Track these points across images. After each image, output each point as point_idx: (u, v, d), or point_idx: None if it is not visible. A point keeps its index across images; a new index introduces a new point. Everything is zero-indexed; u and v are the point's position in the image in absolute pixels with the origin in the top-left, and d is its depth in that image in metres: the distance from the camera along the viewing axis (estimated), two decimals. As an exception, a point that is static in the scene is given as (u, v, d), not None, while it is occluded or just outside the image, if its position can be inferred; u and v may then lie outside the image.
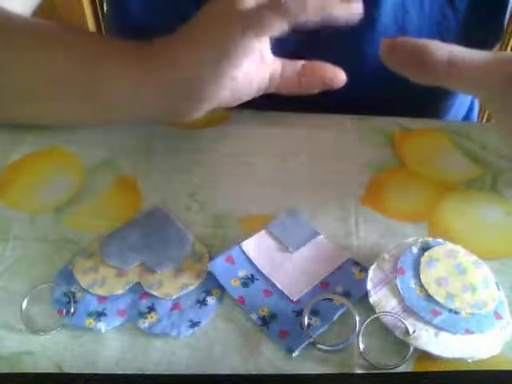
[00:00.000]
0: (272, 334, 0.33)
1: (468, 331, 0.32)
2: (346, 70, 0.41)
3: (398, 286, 0.33)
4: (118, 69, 0.40)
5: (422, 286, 0.33)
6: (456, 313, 0.32)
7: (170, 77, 0.38)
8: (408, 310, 0.33)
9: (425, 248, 0.35)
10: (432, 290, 0.33)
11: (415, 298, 0.33)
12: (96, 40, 0.43)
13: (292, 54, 0.43)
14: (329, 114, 0.49)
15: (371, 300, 0.33)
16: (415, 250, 0.35)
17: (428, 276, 0.34)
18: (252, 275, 0.36)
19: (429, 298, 0.33)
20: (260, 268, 0.36)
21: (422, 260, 0.35)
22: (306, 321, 0.32)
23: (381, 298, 0.33)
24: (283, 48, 0.42)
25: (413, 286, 0.34)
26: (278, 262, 0.36)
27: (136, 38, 0.41)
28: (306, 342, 0.32)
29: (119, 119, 0.44)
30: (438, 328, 0.32)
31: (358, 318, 0.32)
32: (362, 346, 0.32)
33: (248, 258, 0.36)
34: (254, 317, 0.33)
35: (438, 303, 0.33)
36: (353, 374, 0.31)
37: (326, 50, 0.44)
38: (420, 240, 0.36)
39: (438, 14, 0.49)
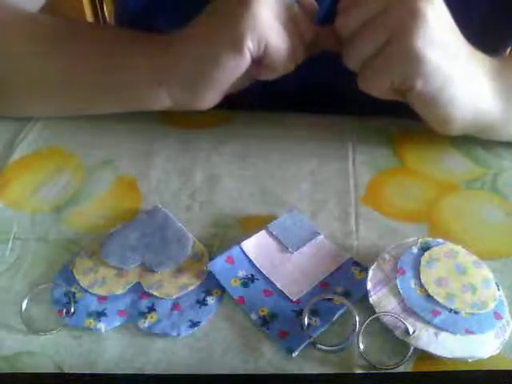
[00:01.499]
0: (272, 334, 0.33)
1: (468, 331, 0.32)
2: (347, 68, 0.41)
3: (398, 286, 0.33)
4: (134, 58, 0.41)
5: (422, 286, 0.33)
6: (456, 313, 0.32)
7: (177, 67, 0.40)
8: (408, 310, 0.32)
9: (425, 248, 0.35)
10: (432, 290, 0.33)
11: (415, 298, 0.33)
12: (112, 32, 0.45)
13: None
14: (329, 114, 0.49)
15: (371, 300, 0.33)
16: (415, 250, 0.35)
17: (428, 276, 0.34)
18: (252, 275, 0.36)
19: (429, 298, 0.33)
20: (260, 268, 0.36)
21: (422, 260, 0.35)
22: (306, 321, 0.32)
23: (381, 297, 0.33)
24: None
25: (413, 286, 0.34)
26: (278, 262, 0.36)
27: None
28: (306, 342, 0.32)
29: (137, 107, 0.45)
30: (438, 328, 0.32)
31: (357, 318, 0.32)
32: (361, 346, 0.31)
33: (248, 257, 0.36)
34: (253, 317, 0.33)
35: (438, 303, 0.33)
36: (353, 374, 0.31)
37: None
38: (420, 240, 0.36)
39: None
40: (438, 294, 0.33)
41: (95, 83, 0.43)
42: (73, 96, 0.45)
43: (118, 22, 0.62)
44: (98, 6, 1.25)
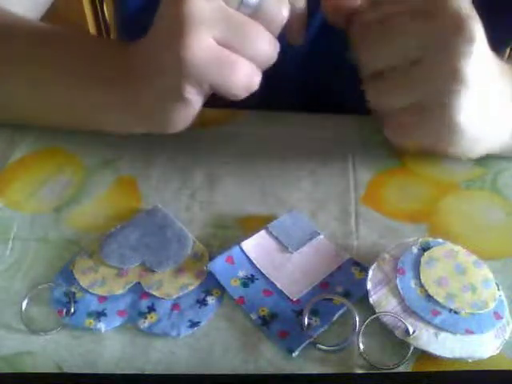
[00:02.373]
0: (272, 334, 0.33)
1: (468, 331, 0.32)
2: (346, 67, 0.41)
3: (398, 286, 0.33)
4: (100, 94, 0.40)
5: (422, 286, 0.33)
6: (456, 313, 0.32)
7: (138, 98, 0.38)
8: (408, 310, 0.33)
9: (425, 248, 0.35)
10: (432, 290, 0.33)
11: (415, 298, 0.33)
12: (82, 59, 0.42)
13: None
14: (329, 113, 0.49)
15: (371, 300, 0.33)
16: (415, 249, 0.35)
17: (428, 276, 0.34)
18: (252, 275, 0.36)
19: (429, 298, 0.33)
20: (260, 268, 0.36)
21: (422, 260, 0.35)
22: (306, 321, 0.32)
23: (381, 297, 0.33)
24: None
25: (413, 286, 0.34)
26: (278, 262, 0.36)
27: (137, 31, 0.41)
28: (306, 342, 0.32)
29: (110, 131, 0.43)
30: (438, 328, 0.32)
31: (357, 318, 0.32)
32: (361, 346, 0.32)
33: (248, 257, 0.36)
34: (253, 317, 0.33)
35: (438, 303, 0.33)
36: (353, 374, 0.31)
37: (327, 47, 0.44)
38: (420, 240, 0.36)
39: None
40: (438, 294, 0.33)
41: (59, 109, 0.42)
42: (38, 114, 0.44)
43: (118, 21, 0.62)
44: (99, 7, 1.25)
